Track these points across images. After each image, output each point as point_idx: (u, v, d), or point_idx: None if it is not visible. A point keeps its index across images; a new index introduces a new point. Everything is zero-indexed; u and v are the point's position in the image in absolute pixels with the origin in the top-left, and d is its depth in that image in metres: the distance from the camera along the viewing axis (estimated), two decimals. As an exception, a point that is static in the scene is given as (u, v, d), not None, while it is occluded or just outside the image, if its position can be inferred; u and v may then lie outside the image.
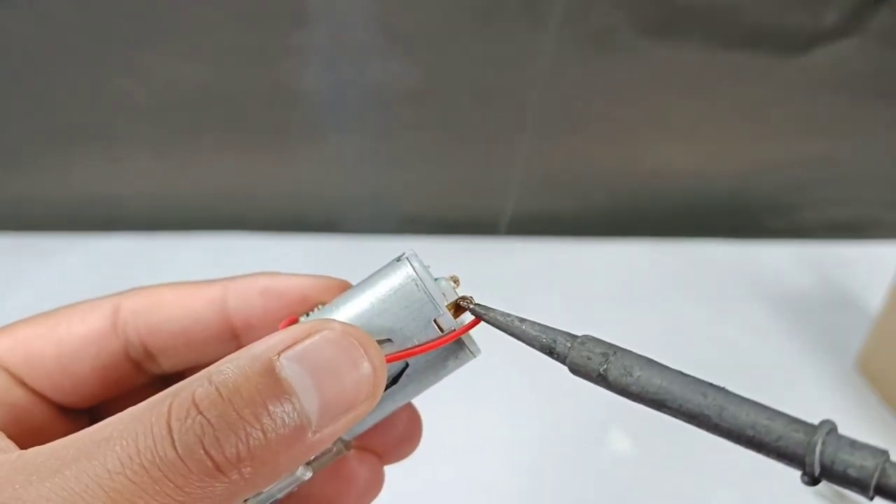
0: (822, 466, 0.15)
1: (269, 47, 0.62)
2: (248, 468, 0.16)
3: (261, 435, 0.16)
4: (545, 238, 0.70)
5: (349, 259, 0.64)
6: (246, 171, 0.70)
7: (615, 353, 0.18)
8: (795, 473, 0.16)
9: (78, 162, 0.69)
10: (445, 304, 0.20)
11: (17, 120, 0.66)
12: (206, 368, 0.17)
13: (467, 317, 0.21)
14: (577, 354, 0.19)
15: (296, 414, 0.16)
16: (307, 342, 0.17)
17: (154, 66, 0.63)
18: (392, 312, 0.20)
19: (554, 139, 0.68)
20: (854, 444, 0.15)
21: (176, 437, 0.15)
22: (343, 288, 0.23)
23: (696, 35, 0.61)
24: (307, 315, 0.21)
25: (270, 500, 0.20)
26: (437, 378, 0.21)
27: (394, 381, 0.21)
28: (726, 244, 0.69)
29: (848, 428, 0.16)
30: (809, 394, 0.52)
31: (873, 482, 0.15)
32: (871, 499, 0.15)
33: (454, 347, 0.21)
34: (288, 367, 0.17)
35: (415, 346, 0.20)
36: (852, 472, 0.15)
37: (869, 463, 0.15)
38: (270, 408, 0.16)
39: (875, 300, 0.56)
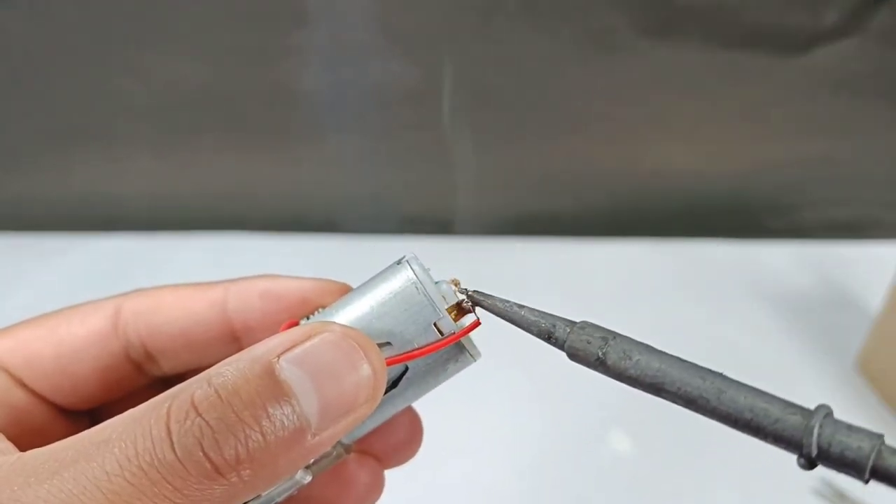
0: (820, 448, 0.15)
1: (269, 47, 0.62)
2: (247, 471, 0.16)
3: (260, 437, 0.16)
4: (545, 238, 0.70)
5: (349, 259, 0.64)
6: (246, 171, 0.70)
7: (614, 337, 0.18)
8: (795, 473, 0.16)
9: (78, 162, 0.69)
10: (445, 307, 0.20)
11: (17, 120, 0.66)
12: (206, 371, 0.17)
13: (467, 320, 0.21)
14: (576, 338, 0.19)
15: (295, 416, 0.16)
16: (307, 344, 0.17)
17: (154, 66, 0.63)
18: (392, 316, 0.20)
19: (554, 139, 0.68)
20: (850, 428, 0.15)
21: (175, 439, 0.15)
22: (343, 291, 0.23)
23: (696, 35, 0.61)
24: (307, 318, 0.21)
25: (270, 504, 0.20)
26: (438, 382, 0.21)
27: (394, 384, 0.21)
28: (726, 244, 0.69)
29: (847, 428, 0.16)
30: (809, 394, 0.52)
31: (870, 464, 0.15)
32: (867, 481, 0.15)
33: (454, 351, 0.21)
34: (288, 370, 0.17)
35: (414, 350, 0.20)
36: (849, 454, 0.15)
37: (865, 444, 0.15)
38: (270, 410, 0.16)
39: (875, 300, 0.56)
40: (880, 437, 0.15)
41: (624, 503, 0.45)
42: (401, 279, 0.20)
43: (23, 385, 0.22)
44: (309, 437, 0.17)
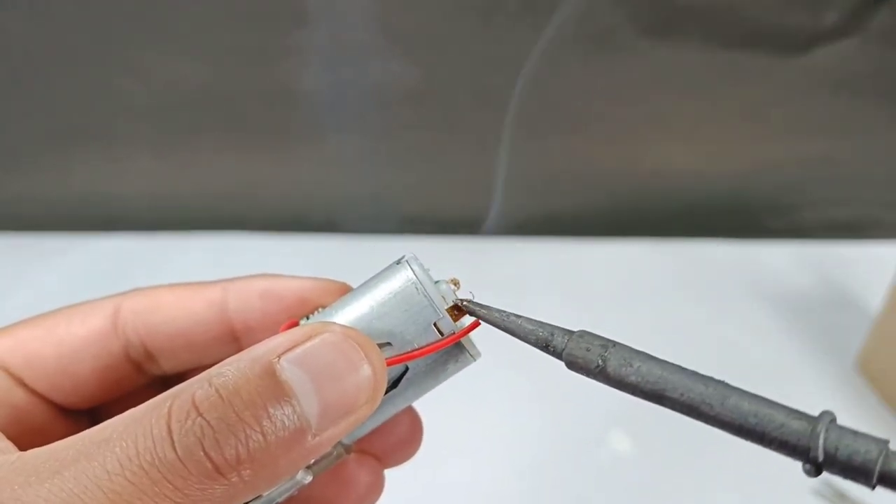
0: (826, 453, 0.15)
1: (269, 47, 0.62)
2: (248, 470, 0.16)
3: (260, 437, 0.16)
4: (545, 238, 0.70)
5: (349, 259, 0.64)
6: (246, 171, 0.70)
7: (614, 345, 0.18)
8: (795, 474, 0.16)
9: (78, 162, 0.69)
10: (445, 307, 0.20)
11: (17, 120, 0.66)
12: (207, 370, 0.17)
13: (467, 320, 0.21)
14: (575, 346, 0.19)
15: (296, 416, 0.16)
16: (308, 345, 0.17)
17: (154, 66, 0.63)
18: (392, 316, 0.20)
19: (554, 139, 0.68)
20: (856, 433, 0.15)
21: (176, 438, 0.15)
22: (342, 290, 0.23)
23: (696, 35, 0.61)
24: (307, 318, 0.21)
25: (270, 504, 0.20)
26: (437, 381, 0.21)
27: (394, 384, 0.21)
28: (726, 244, 0.69)
29: (848, 428, 0.16)
30: (809, 394, 0.52)
31: (877, 469, 0.15)
32: (874, 487, 0.15)
33: (454, 351, 0.21)
34: (288, 370, 0.17)
35: (414, 350, 0.20)
36: (857, 459, 0.15)
37: (873, 449, 0.15)
38: (270, 410, 0.16)
39: (875, 300, 0.56)
40: (885, 442, 0.15)
41: (624, 503, 0.45)
42: (400, 279, 0.20)
43: (23, 384, 0.22)
44: (309, 438, 0.17)
